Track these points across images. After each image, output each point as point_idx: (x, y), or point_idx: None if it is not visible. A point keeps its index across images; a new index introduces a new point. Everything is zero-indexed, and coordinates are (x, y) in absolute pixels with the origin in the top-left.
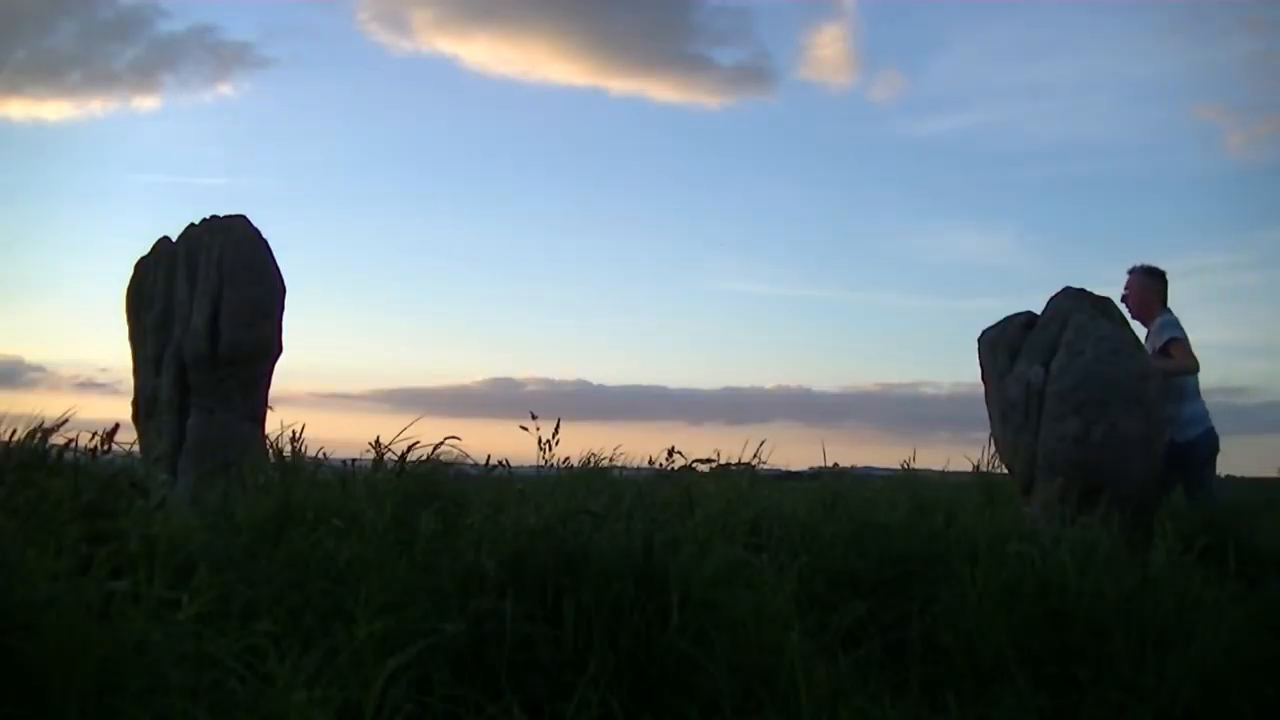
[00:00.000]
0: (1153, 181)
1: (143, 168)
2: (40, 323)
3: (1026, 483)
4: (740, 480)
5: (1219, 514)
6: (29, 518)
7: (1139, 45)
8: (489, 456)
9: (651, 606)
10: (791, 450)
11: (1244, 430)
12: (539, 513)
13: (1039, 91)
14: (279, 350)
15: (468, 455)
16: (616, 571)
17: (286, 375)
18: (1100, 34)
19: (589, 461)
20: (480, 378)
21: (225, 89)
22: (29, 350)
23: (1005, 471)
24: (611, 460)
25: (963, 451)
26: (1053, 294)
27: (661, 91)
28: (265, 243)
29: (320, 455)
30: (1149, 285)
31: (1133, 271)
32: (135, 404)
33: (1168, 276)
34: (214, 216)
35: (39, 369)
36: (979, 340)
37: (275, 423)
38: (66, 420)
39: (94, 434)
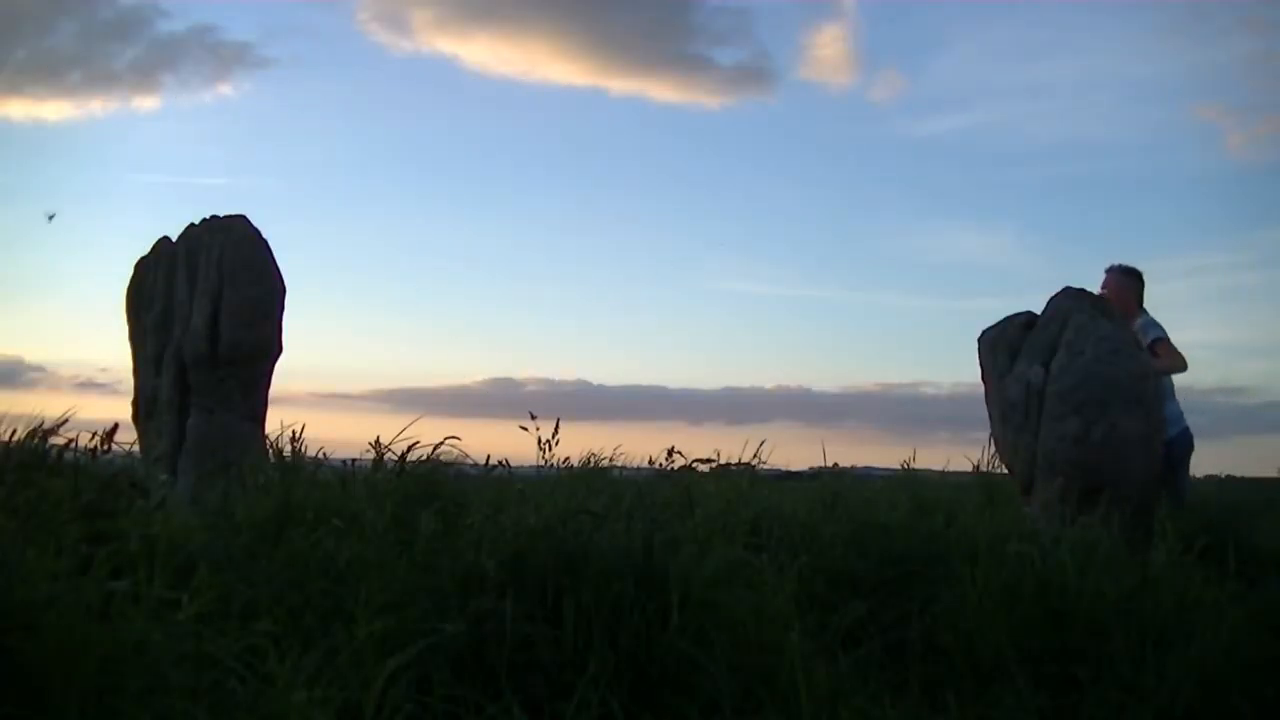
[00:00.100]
0: (1153, 181)
1: (143, 168)
2: (40, 323)
3: (1026, 483)
4: (740, 480)
5: (1218, 514)
6: (29, 518)
7: (1139, 45)
8: (489, 456)
9: (651, 606)
10: (791, 450)
11: (1244, 430)
12: (539, 513)
13: (1039, 91)
14: (279, 350)
15: (468, 455)
16: (616, 571)
17: (286, 375)
18: (1100, 34)
19: (589, 461)
20: (480, 378)
21: (225, 89)
22: (29, 350)
23: (1005, 471)
24: (611, 460)
25: (963, 451)
26: (1053, 294)
27: (661, 91)
28: (265, 243)
29: (320, 455)
30: (1128, 285)
31: (1110, 270)
32: (135, 404)
33: (1144, 277)
34: (214, 216)
35: (39, 369)
36: (979, 340)
37: (275, 423)
38: (66, 420)
39: (94, 434)
